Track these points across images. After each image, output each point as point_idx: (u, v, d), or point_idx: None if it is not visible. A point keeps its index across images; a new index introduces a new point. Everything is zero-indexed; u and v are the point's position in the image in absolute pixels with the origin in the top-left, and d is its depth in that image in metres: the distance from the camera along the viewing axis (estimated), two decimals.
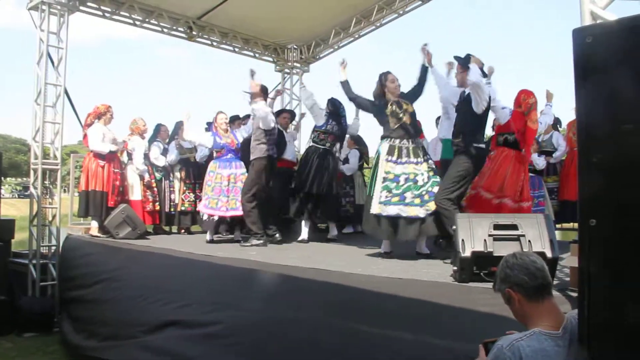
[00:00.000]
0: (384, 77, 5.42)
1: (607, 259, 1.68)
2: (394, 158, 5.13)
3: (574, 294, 3.17)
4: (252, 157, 6.49)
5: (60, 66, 7.49)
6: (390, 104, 5.29)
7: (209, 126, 7.82)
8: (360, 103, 5.69)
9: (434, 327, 3.21)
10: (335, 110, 6.98)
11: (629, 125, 1.64)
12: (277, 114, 8.47)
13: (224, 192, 6.78)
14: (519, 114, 5.57)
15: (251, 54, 10.75)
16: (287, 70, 11.29)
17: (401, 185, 5.06)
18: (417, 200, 5.04)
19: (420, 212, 5.03)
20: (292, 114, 8.70)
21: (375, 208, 5.05)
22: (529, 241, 3.53)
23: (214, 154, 7.07)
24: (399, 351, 3.19)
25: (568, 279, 3.63)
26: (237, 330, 3.96)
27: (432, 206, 5.02)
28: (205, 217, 6.88)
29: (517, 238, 3.58)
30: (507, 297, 2.08)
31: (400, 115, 5.26)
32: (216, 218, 6.81)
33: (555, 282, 3.55)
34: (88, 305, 5.64)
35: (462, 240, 3.60)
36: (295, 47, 11.13)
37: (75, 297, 6.11)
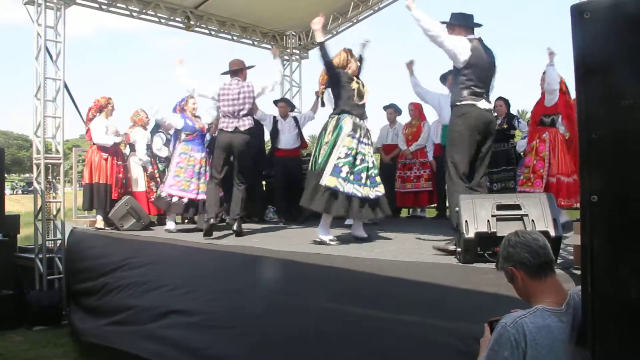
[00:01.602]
0: (350, 53, 5.37)
1: (610, 235, 1.68)
2: (357, 135, 5.07)
3: (578, 272, 3.18)
4: None
5: (58, 60, 7.51)
6: (355, 80, 5.27)
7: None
8: (332, 69, 5.30)
9: (439, 308, 3.20)
10: None
11: (628, 101, 1.64)
12: (274, 103, 8.48)
13: (197, 175, 6.77)
14: (563, 97, 5.66)
15: (250, 41, 10.70)
16: (286, 57, 11.25)
17: (357, 165, 5.02)
18: (369, 182, 5.08)
19: (371, 194, 5.07)
20: (289, 104, 8.66)
21: (331, 181, 4.88)
22: (532, 220, 3.52)
23: (182, 137, 6.97)
24: (405, 334, 3.20)
25: (572, 257, 3.64)
26: (241, 318, 3.99)
27: (381, 189, 5.16)
28: (175, 200, 6.70)
29: (520, 218, 3.57)
30: (510, 276, 2.09)
31: (363, 94, 5.26)
32: (185, 200, 6.70)
33: (559, 261, 3.57)
34: (95, 296, 5.68)
35: (466, 221, 3.60)
36: (294, 33, 11.07)
37: (82, 289, 6.17)
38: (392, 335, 3.24)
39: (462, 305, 3.17)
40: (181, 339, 4.14)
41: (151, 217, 7.63)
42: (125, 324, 4.82)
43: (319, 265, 4.17)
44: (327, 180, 4.88)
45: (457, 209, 3.75)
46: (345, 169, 4.92)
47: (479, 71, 4.37)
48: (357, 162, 5.01)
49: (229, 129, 5.92)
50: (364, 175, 5.02)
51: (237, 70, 6.10)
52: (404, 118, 8.86)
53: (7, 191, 43.04)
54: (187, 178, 6.72)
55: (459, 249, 3.73)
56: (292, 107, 8.74)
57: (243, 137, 5.96)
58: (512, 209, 3.62)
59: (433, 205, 8.74)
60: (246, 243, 5.33)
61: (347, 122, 5.07)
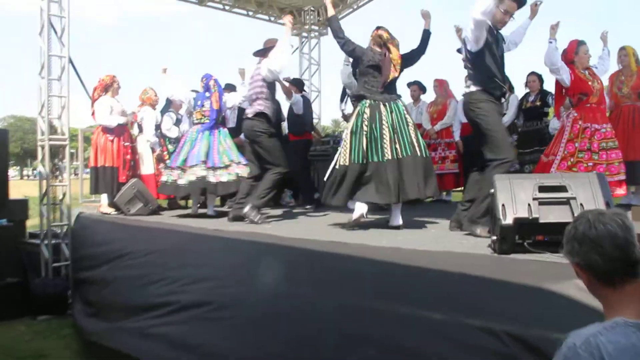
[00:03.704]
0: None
1: None
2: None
3: None
4: None
5: (63, 36, 7.13)
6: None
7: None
8: (351, 47, 4.91)
9: (470, 304, 2.75)
10: None
11: None
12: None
13: None
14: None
15: (266, 17, 10.27)
16: (304, 34, 10.77)
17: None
18: None
19: None
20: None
21: None
22: (581, 204, 3.02)
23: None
24: (431, 332, 2.77)
25: None
26: (250, 312, 3.59)
27: None
28: None
29: (566, 201, 3.07)
30: (576, 271, 1.58)
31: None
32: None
33: None
34: (96, 287, 5.38)
35: (503, 205, 3.10)
36: (312, 9, 10.55)
37: (85, 278, 5.87)
38: (416, 333, 2.82)
39: (498, 301, 2.70)
40: (180, 335, 3.76)
41: (159, 201, 7.28)
42: (123, 323, 4.45)
43: (335, 254, 3.74)
44: None
45: (492, 190, 3.26)
46: None
47: None
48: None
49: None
50: None
51: (262, 50, 5.75)
52: (429, 96, 8.38)
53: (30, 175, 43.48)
54: None
55: (494, 237, 3.24)
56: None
57: (248, 124, 5.70)
58: (556, 191, 3.12)
59: (459, 189, 8.21)
60: (258, 229, 4.92)
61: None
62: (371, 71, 4.74)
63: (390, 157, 4.55)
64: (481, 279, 2.89)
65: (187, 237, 4.85)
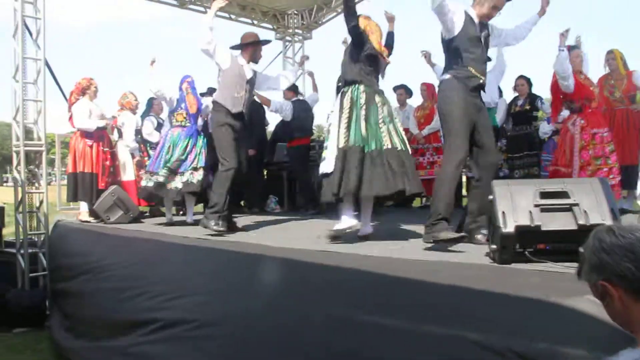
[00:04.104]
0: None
1: None
2: None
3: None
4: None
5: (39, 38, 6.91)
6: None
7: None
8: (359, 31, 4.48)
9: (470, 318, 2.58)
10: None
11: None
12: None
13: None
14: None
15: (249, 21, 10.10)
16: (288, 37, 10.61)
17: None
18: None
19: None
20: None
21: None
22: (585, 211, 2.88)
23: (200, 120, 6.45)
24: (427, 349, 2.59)
25: None
26: (236, 328, 3.39)
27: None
28: None
29: (569, 208, 2.93)
30: (601, 292, 1.43)
31: None
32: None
33: None
34: (72, 299, 5.13)
35: (503, 212, 2.95)
36: (296, 12, 10.43)
37: (62, 289, 5.62)
38: (412, 350, 2.64)
39: (500, 315, 2.55)
40: (161, 355, 3.54)
41: (141, 208, 7.05)
42: (101, 340, 4.22)
43: (324, 265, 3.56)
44: None
45: (491, 197, 3.12)
46: None
47: None
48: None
49: None
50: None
51: (238, 45, 5.48)
52: (416, 100, 8.25)
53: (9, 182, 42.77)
54: None
55: (494, 246, 3.09)
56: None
57: None
58: (558, 197, 2.98)
59: None
60: (242, 238, 4.73)
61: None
62: (369, 61, 4.50)
63: (390, 147, 4.26)
64: (482, 291, 2.74)
65: (169, 248, 4.64)
